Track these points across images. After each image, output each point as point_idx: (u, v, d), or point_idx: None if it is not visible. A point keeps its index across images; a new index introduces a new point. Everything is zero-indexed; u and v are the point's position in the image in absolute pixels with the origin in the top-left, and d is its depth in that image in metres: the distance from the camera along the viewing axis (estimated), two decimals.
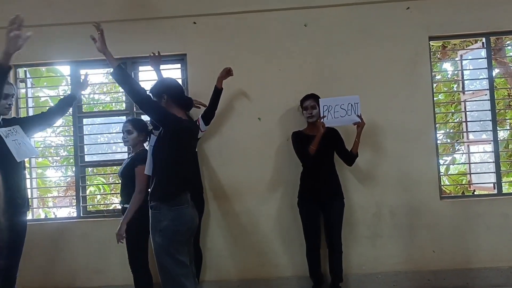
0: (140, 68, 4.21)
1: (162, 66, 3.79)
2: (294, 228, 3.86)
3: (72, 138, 4.24)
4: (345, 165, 3.70)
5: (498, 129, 4.16)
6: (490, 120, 4.06)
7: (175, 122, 2.62)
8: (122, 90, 2.90)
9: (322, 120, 3.55)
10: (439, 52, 6.80)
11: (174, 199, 2.62)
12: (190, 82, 4.02)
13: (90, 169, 4.85)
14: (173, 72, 4.21)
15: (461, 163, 6.71)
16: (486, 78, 4.11)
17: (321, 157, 3.57)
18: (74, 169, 4.21)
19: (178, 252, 2.60)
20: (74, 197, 4.29)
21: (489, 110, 4.07)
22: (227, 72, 3.70)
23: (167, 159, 2.63)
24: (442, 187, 4.17)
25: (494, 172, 4.04)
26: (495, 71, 6.71)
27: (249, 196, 3.94)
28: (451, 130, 7.15)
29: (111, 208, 4.60)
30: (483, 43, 4.11)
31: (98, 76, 5.28)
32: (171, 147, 2.61)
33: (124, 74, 2.62)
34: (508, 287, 3.78)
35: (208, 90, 3.68)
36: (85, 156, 4.22)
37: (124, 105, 4.25)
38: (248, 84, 3.97)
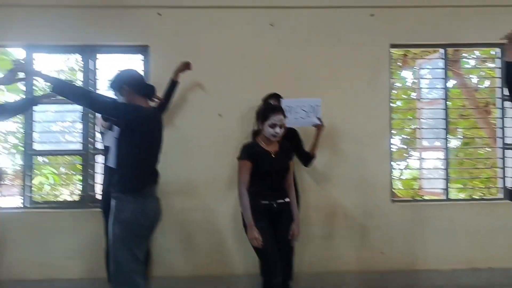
0: (98, 55, 4.07)
1: (122, 56, 3.70)
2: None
3: (23, 125, 4.06)
4: (302, 166, 3.74)
5: (450, 137, 4.33)
6: (444, 129, 4.22)
7: (130, 112, 2.54)
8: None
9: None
10: (400, 60, 7.00)
11: (138, 191, 2.54)
12: (153, 75, 3.93)
13: (41, 158, 4.65)
14: (135, 63, 4.10)
15: (414, 169, 6.92)
16: (443, 88, 4.26)
17: None
18: (21, 157, 4.04)
19: (136, 247, 2.52)
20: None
21: (443, 118, 4.22)
22: (185, 66, 3.65)
23: (130, 151, 2.54)
24: (394, 191, 4.31)
25: (444, 179, 4.20)
26: (452, 82, 6.97)
27: (206, 193, 3.91)
28: (407, 136, 7.38)
29: (60, 199, 4.42)
30: (440, 54, 4.26)
31: (55, 62, 5.08)
32: (131, 138, 2.53)
33: (64, 83, 2.56)
34: None
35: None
36: (35, 144, 4.04)
37: None
38: (210, 79, 3.93)
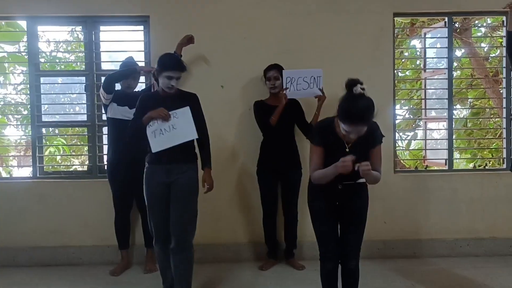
0: (102, 28, 4.09)
1: (122, 27, 3.70)
2: (252, 196, 3.94)
3: (30, 96, 4.13)
4: (304, 137, 3.77)
5: (456, 107, 4.30)
6: (447, 99, 4.19)
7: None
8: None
9: (284, 92, 3.59)
10: (407, 29, 6.87)
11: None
12: (153, 46, 3.94)
13: (51, 129, 4.73)
14: (135, 34, 4.10)
15: (420, 139, 6.91)
16: (446, 57, 4.20)
17: (281, 128, 3.63)
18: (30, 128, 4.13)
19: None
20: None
21: (447, 89, 4.18)
22: (188, 40, 3.65)
23: None
24: (398, 161, 4.32)
25: (446, 149, 4.20)
26: (461, 51, 6.84)
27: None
28: (415, 107, 7.32)
29: (71, 169, 4.54)
30: (445, 22, 4.18)
31: (60, 34, 5.10)
32: None
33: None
34: (452, 257, 4.01)
35: None
36: (43, 116, 4.12)
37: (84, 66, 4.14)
38: (212, 51, 3.92)
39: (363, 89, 2.25)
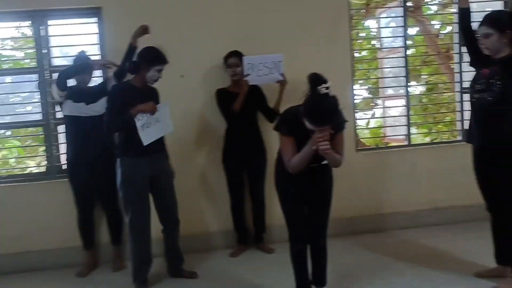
0: (51, 22, 3.91)
1: (74, 20, 3.57)
2: (219, 184, 3.94)
3: None
4: (268, 122, 3.78)
5: (413, 84, 4.43)
6: (404, 76, 4.31)
7: None
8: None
9: (245, 78, 3.58)
10: (363, 10, 6.98)
11: None
12: (108, 38, 3.82)
13: (2, 131, 4.53)
14: (88, 27, 3.95)
15: (379, 117, 7.08)
16: (403, 36, 4.31)
17: (244, 114, 3.63)
18: None
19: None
20: None
21: (404, 66, 4.30)
22: (143, 30, 3.56)
23: None
24: (362, 140, 4.43)
25: (405, 125, 4.34)
26: (415, 29, 7.03)
27: (172, 155, 3.89)
28: (372, 86, 7.49)
29: (27, 172, 4.35)
30: (400, 1, 4.27)
31: (6, 30, 4.83)
32: None
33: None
34: (414, 228, 4.17)
35: (126, 46, 3.53)
36: None
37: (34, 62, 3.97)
38: (169, 40, 3.82)
39: (327, 88, 2.26)
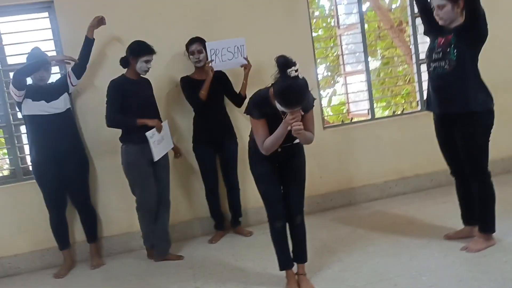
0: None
1: (25, 16, 3.41)
2: (191, 172, 3.95)
3: None
4: (235, 107, 3.80)
5: (370, 59, 4.54)
6: (362, 52, 4.41)
7: None
8: None
9: (210, 64, 3.56)
10: None
11: None
12: (62, 32, 3.68)
13: None
14: (40, 22, 3.79)
15: (341, 94, 7.25)
16: (358, 13, 4.39)
17: (211, 101, 3.61)
18: None
19: None
20: None
21: (361, 42, 4.40)
22: (99, 21, 3.46)
23: None
24: (325, 118, 4.52)
25: (367, 100, 4.46)
26: (366, 5, 7.17)
27: None
28: (331, 64, 7.62)
29: None
30: None
31: None
32: None
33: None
34: (383, 199, 4.35)
35: (82, 39, 3.45)
36: None
37: None
38: (126, 30, 3.73)
39: (296, 70, 2.29)
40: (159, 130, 3.34)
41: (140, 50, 3.31)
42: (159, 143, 3.34)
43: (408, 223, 3.63)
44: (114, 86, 3.31)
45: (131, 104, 3.30)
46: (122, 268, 3.58)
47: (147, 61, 3.34)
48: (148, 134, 3.25)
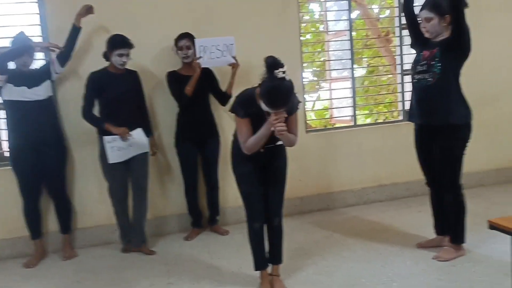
0: None
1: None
2: (171, 168, 3.93)
3: None
4: (220, 105, 3.79)
5: (356, 67, 4.60)
6: (350, 59, 4.47)
7: None
8: None
9: (197, 61, 3.54)
10: None
11: None
12: (49, 18, 3.61)
13: None
14: (29, 6, 3.71)
15: (325, 99, 7.31)
16: (347, 20, 4.44)
17: (197, 98, 3.60)
18: None
19: None
20: None
21: (349, 49, 4.45)
22: (87, 10, 3.42)
23: None
24: (308, 122, 4.56)
25: (351, 106, 4.52)
26: (356, 13, 7.25)
27: None
28: (318, 69, 7.67)
29: None
30: None
31: None
32: None
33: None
34: (360, 205, 4.40)
35: (70, 28, 3.40)
36: None
37: None
38: (115, 21, 3.68)
39: (284, 72, 2.31)
40: (124, 138, 3.32)
41: (114, 43, 3.32)
42: (119, 149, 3.34)
43: (383, 230, 3.69)
44: (92, 79, 3.36)
45: (106, 97, 3.36)
46: (95, 260, 3.53)
47: (121, 55, 3.32)
48: (107, 138, 3.30)
